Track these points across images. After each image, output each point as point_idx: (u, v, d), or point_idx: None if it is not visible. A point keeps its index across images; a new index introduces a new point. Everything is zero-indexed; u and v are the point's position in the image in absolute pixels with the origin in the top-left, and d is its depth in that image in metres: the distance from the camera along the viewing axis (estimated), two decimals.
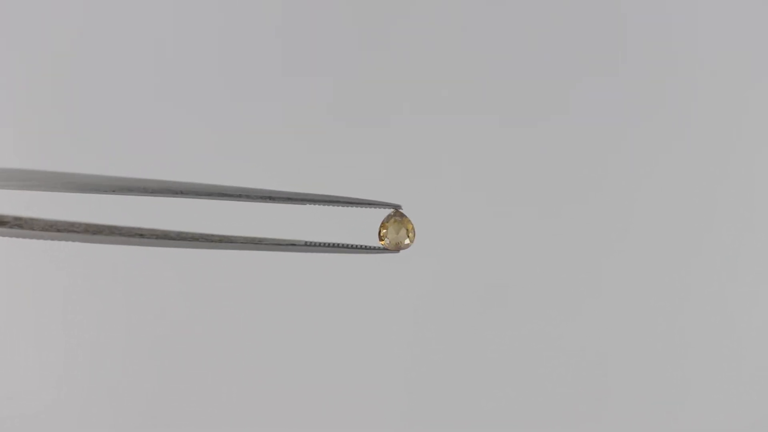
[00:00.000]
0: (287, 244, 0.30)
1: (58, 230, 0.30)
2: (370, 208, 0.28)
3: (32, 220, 0.31)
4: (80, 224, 0.32)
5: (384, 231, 0.29)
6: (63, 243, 0.30)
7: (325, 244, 0.30)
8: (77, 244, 0.30)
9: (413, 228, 0.29)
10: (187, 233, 0.32)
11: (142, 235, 0.30)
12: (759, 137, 0.66)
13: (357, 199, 0.28)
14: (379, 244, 0.29)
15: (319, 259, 0.59)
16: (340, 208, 0.28)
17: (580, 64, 0.66)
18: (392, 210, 0.28)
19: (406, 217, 0.29)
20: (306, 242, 0.30)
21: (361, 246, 0.29)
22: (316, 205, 0.28)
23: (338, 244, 0.30)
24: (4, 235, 0.29)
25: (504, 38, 0.66)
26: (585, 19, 0.66)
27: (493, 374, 0.65)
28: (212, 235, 0.32)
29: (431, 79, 0.65)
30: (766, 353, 0.66)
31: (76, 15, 0.64)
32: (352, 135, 0.64)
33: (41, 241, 0.30)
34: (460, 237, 0.65)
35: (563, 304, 0.66)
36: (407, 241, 0.28)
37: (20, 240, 0.30)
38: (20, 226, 0.30)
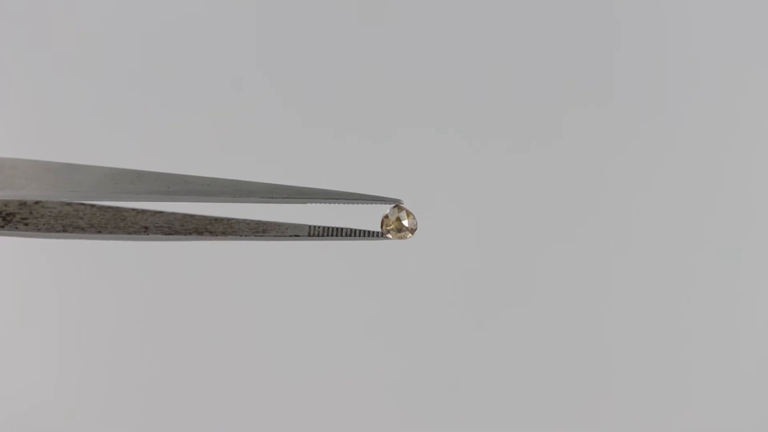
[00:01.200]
0: (291, 234, 0.30)
1: (64, 227, 0.30)
2: (372, 204, 0.28)
3: (36, 206, 0.31)
4: (85, 209, 0.32)
5: (386, 225, 0.29)
6: (60, 241, 0.30)
7: (328, 230, 0.30)
8: (74, 241, 0.30)
9: (415, 221, 0.29)
10: (190, 218, 0.32)
11: (146, 229, 0.30)
12: (755, 147, 0.66)
13: (358, 195, 0.28)
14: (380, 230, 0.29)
15: (315, 255, 0.59)
16: (342, 205, 0.28)
17: (576, 71, 0.66)
18: (393, 205, 0.28)
19: (407, 210, 0.29)
20: (310, 228, 0.31)
21: (364, 232, 0.30)
22: (319, 203, 0.28)
23: (341, 230, 0.30)
24: (8, 235, 0.29)
25: (503, 50, 0.65)
26: (581, 33, 0.66)
27: (492, 374, 0.66)
28: (218, 219, 0.33)
29: (430, 72, 0.64)
30: (767, 353, 0.66)
31: (74, 13, 0.63)
32: (353, 135, 0.64)
33: (39, 240, 0.30)
34: (459, 235, 0.65)
35: (563, 303, 0.66)
36: (409, 235, 0.29)
37: (20, 239, 0.30)
38: (25, 223, 0.30)
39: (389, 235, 0.29)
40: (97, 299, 0.64)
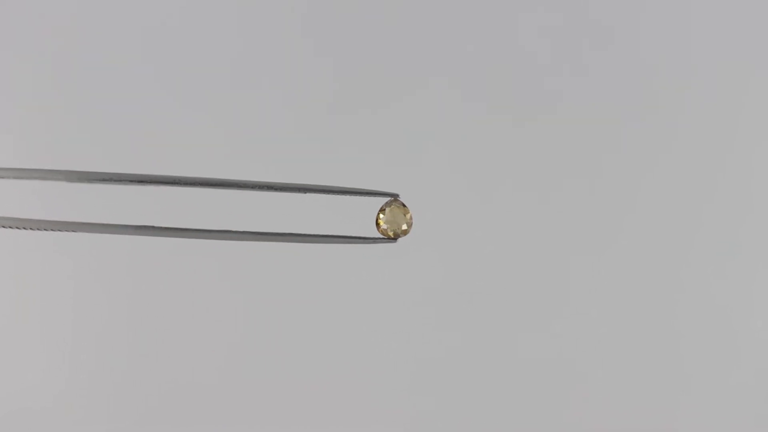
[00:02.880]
0: (285, 235, 0.30)
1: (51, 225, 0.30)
2: (368, 197, 0.28)
3: (3, 218, 0.31)
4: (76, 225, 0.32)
5: (381, 219, 0.29)
6: (64, 240, 0.30)
7: (323, 235, 0.30)
8: (79, 240, 0.30)
9: (410, 216, 0.29)
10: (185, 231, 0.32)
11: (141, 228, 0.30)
12: (754, 136, 0.67)
13: (355, 188, 0.28)
14: (377, 233, 0.29)
15: (317, 253, 0.59)
16: (338, 197, 0.28)
17: (578, 57, 0.67)
18: (390, 198, 0.29)
19: (403, 205, 0.29)
20: (305, 233, 0.31)
21: (360, 237, 0.30)
22: (315, 194, 0.28)
23: (336, 235, 0.30)
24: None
25: (501, 31, 0.66)
26: (581, 16, 0.67)
27: (491, 371, 0.66)
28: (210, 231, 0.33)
29: (429, 71, 0.65)
30: (765, 353, 0.66)
31: (77, 13, 0.64)
32: (349, 125, 0.65)
33: (43, 238, 0.30)
34: (457, 228, 0.65)
35: (561, 302, 0.66)
36: (405, 227, 0.29)
37: (24, 235, 0.30)
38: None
39: (384, 227, 0.29)
40: (105, 299, 0.64)
